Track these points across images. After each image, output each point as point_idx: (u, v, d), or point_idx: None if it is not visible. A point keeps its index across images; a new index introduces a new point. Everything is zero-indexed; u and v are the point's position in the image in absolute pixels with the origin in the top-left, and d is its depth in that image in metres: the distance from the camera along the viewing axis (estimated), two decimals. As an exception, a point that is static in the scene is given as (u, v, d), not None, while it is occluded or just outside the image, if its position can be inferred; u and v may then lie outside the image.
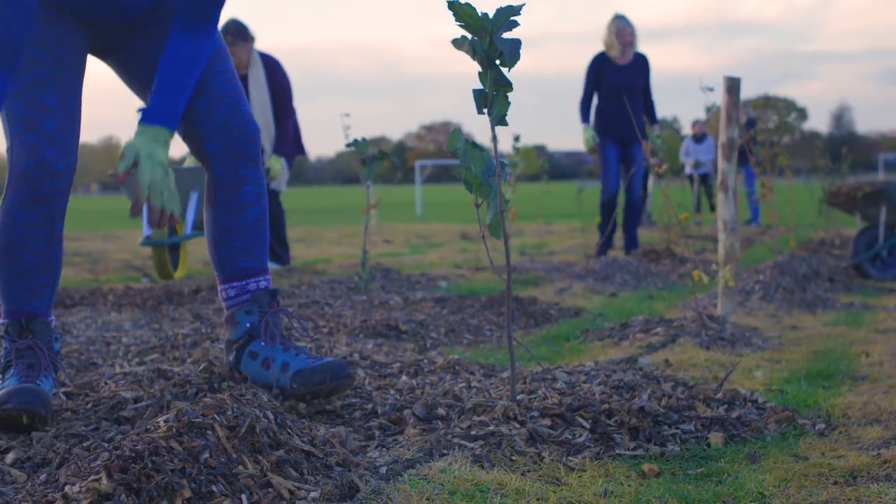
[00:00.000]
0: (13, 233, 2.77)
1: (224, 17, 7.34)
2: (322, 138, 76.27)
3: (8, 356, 2.81)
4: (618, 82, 8.92)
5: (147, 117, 2.75)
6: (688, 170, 17.39)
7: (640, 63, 9.06)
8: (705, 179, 17.16)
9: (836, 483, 2.38)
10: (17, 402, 2.55)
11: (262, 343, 2.93)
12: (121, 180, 2.70)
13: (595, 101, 9.11)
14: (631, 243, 9.14)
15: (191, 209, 7.25)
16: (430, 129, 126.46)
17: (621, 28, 8.90)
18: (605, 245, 9.07)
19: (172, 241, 7.15)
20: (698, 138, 17.26)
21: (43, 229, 2.79)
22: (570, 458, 2.55)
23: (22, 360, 2.77)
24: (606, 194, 8.96)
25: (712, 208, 16.55)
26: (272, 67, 7.71)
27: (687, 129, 17.95)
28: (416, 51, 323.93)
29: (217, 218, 2.94)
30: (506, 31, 2.53)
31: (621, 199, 9.13)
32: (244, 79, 7.58)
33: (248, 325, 2.95)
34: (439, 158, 54.67)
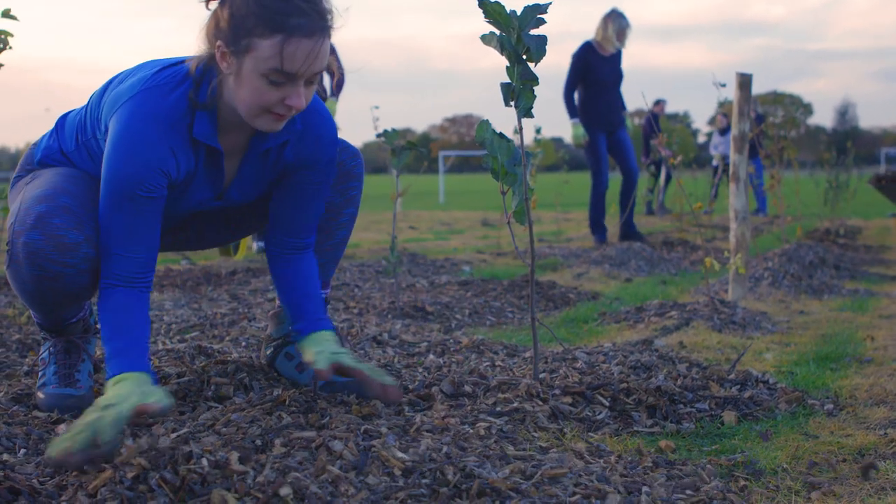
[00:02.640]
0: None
1: None
2: (351, 130, 76.35)
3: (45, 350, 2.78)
4: (605, 73, 8.80)
5: (320, 324, 2.74)
6: (715, 162, 17.26)
7: (619, 54, 8.94)
8: (727, 168, 17.06)
9: (844, 460, 2.37)
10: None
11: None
12: (324, 376, 2.60)
13: (580, 93, 8.95)
14: (632, 227, 9.02)
15: None
16: (452, 121, 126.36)
17: (622, 28, 8.73)
18: (605, 233, 9.02)
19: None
20: (723, 131, 17.15)
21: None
22: (590, 433, 2.55)
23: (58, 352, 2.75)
24: (602, 187, 8.88)
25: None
26: None
27: (698, 124, 17.87)
28: (440, 47, 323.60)
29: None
30: (533, 27, 2.52)
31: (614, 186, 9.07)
32: None
33: (290, 327, 2.94)
34: (461, 149, 54.62)
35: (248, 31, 2.27)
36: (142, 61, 2.62)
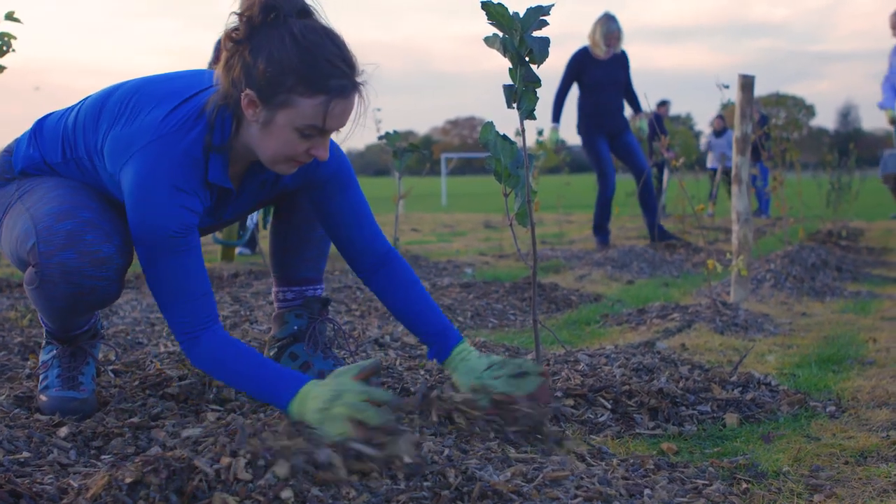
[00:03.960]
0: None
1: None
2: (353, 132, 76.00)
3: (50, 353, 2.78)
4: (601, 77, 8.75)
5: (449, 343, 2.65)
6: (709, 163, 17.29)
7: (621, 58, 8.86)
8: (728, 172, 17.08)
9: (846, 463, 2.36)
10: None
11: (305, 347, 2.93)
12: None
13: (578, 97, 8.93)
14: (659, 229, 8.93)
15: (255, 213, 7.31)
16: (454, 123, 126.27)
17: (610, 31, 8.66)
18: (608, 236, 9.00)
19: (239, 244, 7.31)
20: (718, 133, 17.17)
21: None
22: (592, 436, 2.55)
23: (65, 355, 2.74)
24: (608, 192, 8.81)
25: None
26: None
27: (700, 126, 17.88)
28: (442, 49, 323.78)
29: (295, 228, 2.89)
30: (535, 29, 2.51)
31: (622, 188, 9.00)
32: None
33: (295, 327, 2.94)
34: (464, 152, 54.62)
35: (288, 88, 2.26)
36: (141, 76, 2.58)
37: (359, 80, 2.33)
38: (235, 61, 2.31)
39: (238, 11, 2.31)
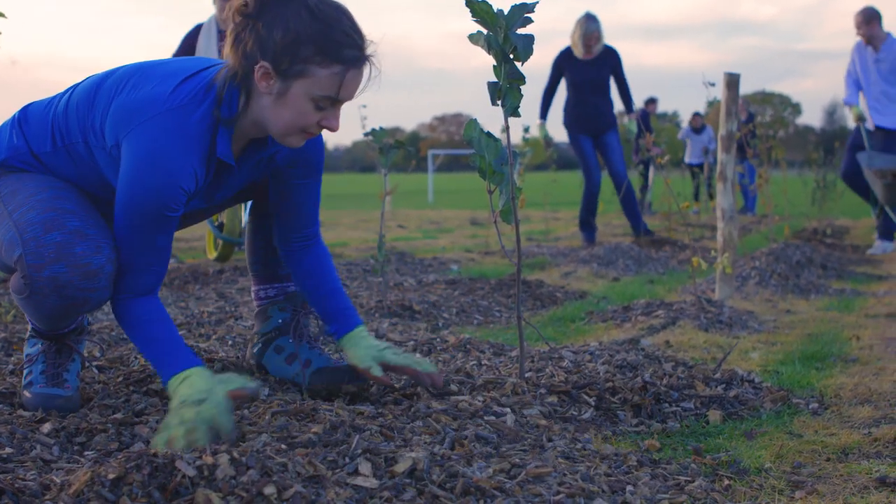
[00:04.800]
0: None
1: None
2: (339, 128, 75.89)
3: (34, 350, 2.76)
4: (583, 77, 8.75)
5: (351, 322, 2.79)
6: (687, 158, 17.34)
7: (608, 57, 8.83)
8: (704, 169, 17.11)
9: (828, 459, 2.38)
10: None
11: (290, 339, 2.93)
12: (375, 375, 2.69)
13: (564, 96, 8.96)
14: (639, 223, 8.98)
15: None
16: (442, 120, 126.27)
17: (589, 32, 8.62)
18: (594, 232, 9.02)
19: (241, 241, 7.30)
20: (697, 130, 17.22)
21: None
22: (575, 433, 2.55)
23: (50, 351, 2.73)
24: (592, 189, 8.86)
25: (711, 197, 16.51)
26: None
27: (687, 124, 17.88)
28: (429, 46, 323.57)
29: (277, 225, 2.90)
30: (520, 27, 2.52)
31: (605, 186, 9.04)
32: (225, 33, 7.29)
33: (279, 321, 2.95)
34: (450, 148, 54.61)
35: (305, 58, 2.33)
36: (139, 60, 2.59)
37: (368, 51, 2.40)
38: (247, 35, 2.36)
39: None
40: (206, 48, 7.21)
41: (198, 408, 2.23)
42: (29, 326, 2.76)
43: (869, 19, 8.26)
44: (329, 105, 2.40)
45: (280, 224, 2.81)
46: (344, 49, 2.34)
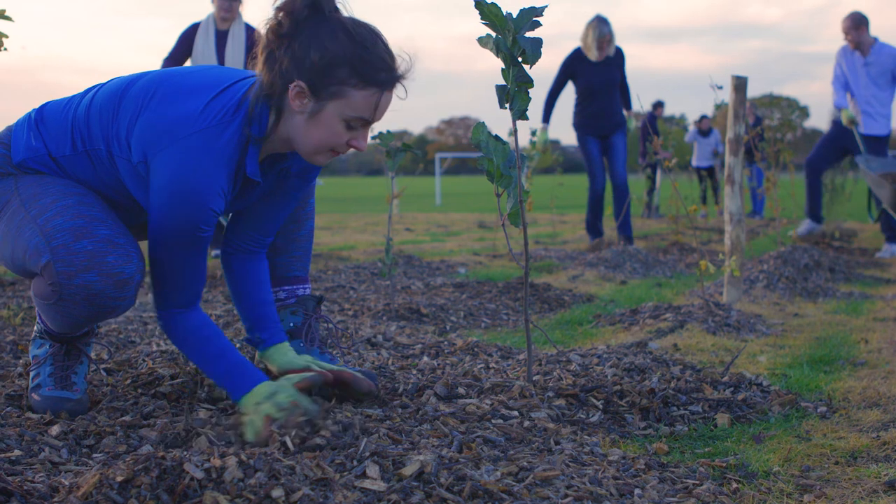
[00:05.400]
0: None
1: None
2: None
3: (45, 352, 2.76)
4: (595, 79, 8.74)
5: (281, 334, 2.82)
6: (694, 162, 17.31)
7: (616, 57, 8.85)
8: (711, 173, 17.08)
9: (837, 463, 2.37)
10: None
11: (301, 343, 2.94)
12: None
13: (574, 97, 8.94)
14: (628, 230, 8.98)
15: None
16: (449, 123, 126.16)
17: (602, 35, 8.64)
18: (601, 236, 9.01)
19: None
20: (704, 133, 17.18)
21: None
22: (583, 436, 2.55)
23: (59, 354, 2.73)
24: (597, 191, 8.84)
25: (717, 202, 16.49)
26: (250, 31, 7.33)
27: (693, 127, 17.83)
28: (437, 48, 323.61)
29: (281, 228, 2.91)
30: (528, 30, 2.52)
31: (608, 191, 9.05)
32: (224, 34, 7.21)
33: (291, 324, 2.95)
34: (458, 151, 54.59)
35: (341, 80, 2.36)
36: (161, 68, 2.59)
37: (399, 73, 2.44)
38: (282, 54, 2.37)
39: (279, 6, 2.38)
40: (204, 49, 7.18)
41: (273, 399, 2.37)
42: (36, 327, 2.76)
43: (857, 24, 8.47)
44: (360, 125, 2.43)
45: (245, 223, 2.80)
46: (380, 72, 2.38)
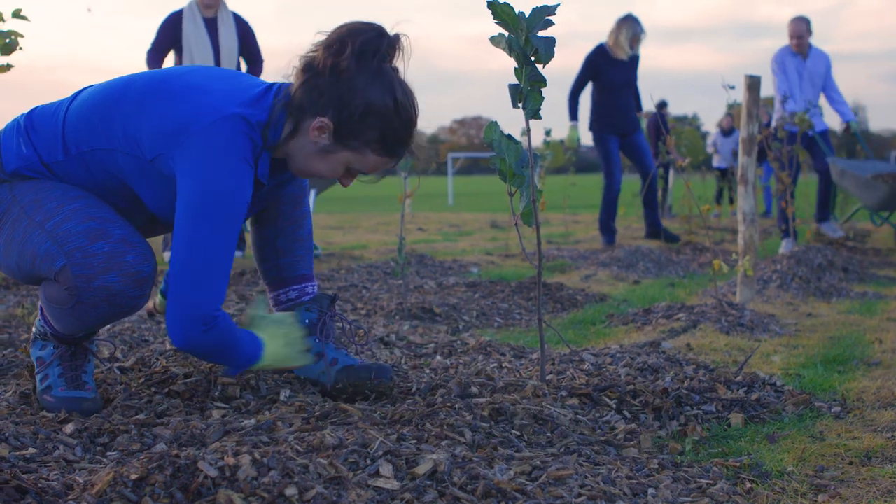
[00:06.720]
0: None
1: None
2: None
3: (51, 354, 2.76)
4: (618, 78, 8.77)
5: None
6: (716, 163, 17.22)
7: (634, 58, 8.91)
8: (725, 173, 17.02)
9: (851, 463, 2.36)
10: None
11: (316, 339, 2.94)
12: None
13: (592, 95, 8.97)
14: (657, 224, 8.99)
15: None
16: (461, 123, 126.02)
17: (636, 34, 8.69)
18: (614, 235, 9.01)
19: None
20: (726, 132, 17.10)
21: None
22: (597, 435, 2.55)
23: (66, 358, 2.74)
24: (614, 190, 8.85)
25: (731, 201, 16.44)
26: (239, 18, 7.22)
27: (707, 126, 17.76)
28: (449, 48, 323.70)
29: (281, 230, 2.92)
30: (541, 29, 2.52)
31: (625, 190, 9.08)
32: (213, 20, 7.11)
33: (306, 321, 2.95)
34: (470, 151, 54.55)
35: (367, 142, 2.45)
36: (147, 58, 2.62)
37: (412, 148, 2.55)
38: (328, 89, 2.41)
39: (348, 37, 2.40)
40: (196, 36, 7.07)
41: (286, 327, 2.63)
42: (34, 329, 2.77)
43: (809, 28, 8.56)
44: (356, 173, 2.55)
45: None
46: (402, 147, 2.49)
